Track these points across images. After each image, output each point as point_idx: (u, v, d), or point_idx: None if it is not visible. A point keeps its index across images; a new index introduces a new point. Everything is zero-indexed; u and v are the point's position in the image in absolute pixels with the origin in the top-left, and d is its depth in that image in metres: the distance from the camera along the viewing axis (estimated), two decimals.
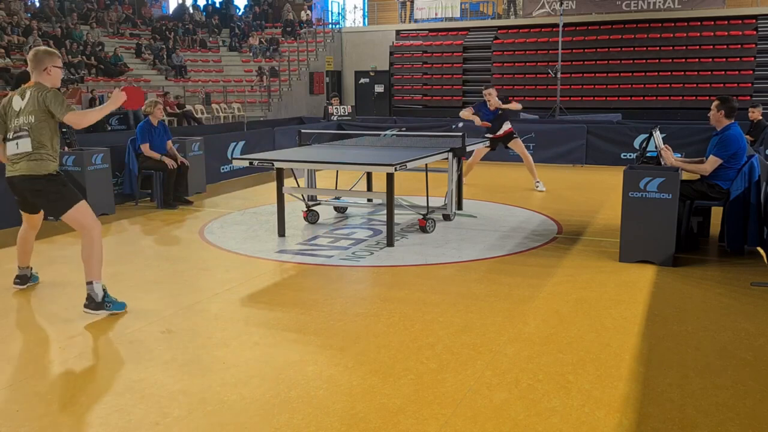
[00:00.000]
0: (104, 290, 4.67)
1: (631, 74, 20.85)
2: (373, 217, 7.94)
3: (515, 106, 9.45)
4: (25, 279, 5.25)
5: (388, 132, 9.55)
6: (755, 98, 16.79)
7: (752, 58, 19.75)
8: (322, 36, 25.83)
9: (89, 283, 4.61)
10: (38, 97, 4.50)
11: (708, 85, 19.68)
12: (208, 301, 4.99)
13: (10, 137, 4.60)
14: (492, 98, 9.36)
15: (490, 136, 9.37)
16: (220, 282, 5.47)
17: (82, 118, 4.49)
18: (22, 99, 4.56)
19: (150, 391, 3.48)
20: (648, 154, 6.81)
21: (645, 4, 21.58)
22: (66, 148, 8.16)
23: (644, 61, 20.83)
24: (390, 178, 6.42)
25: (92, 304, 4.60)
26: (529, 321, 4.47)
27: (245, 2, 29.97)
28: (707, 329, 4.32)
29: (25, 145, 4.53)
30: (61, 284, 5.44)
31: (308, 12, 28.05)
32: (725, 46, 20.11)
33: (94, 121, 4.63)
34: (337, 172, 8.62)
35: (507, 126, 9.59)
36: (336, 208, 8.17)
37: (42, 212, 4.99)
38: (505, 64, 22.60)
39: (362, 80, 25.83)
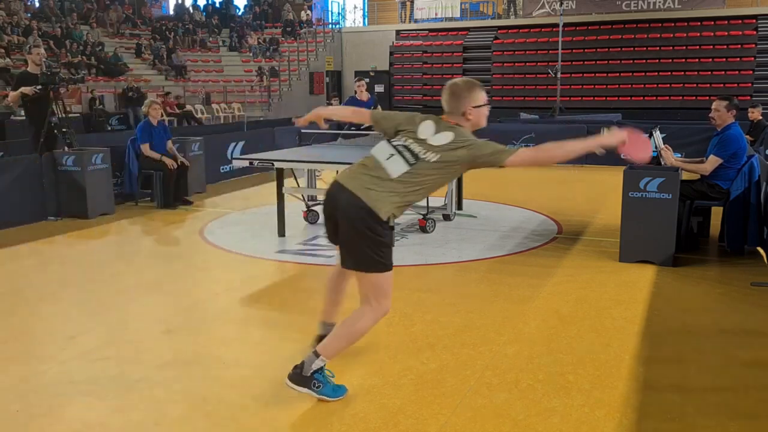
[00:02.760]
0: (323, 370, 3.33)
1: (631, 74, 20.84)
2: None
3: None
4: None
5: None
6: (755, 98, 16.75)
7: (752, 58, 19.74)
8: (322, 36, 25.82)
9: (316, 353, 3.31)
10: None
11: (708, 85, 19.67)
12: (208, 301, 4.99)
13: None
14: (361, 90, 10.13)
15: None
16: (220, 282, 5.47)
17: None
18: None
19: (150, 391, 3.48)
20: None
21: (645, 4, 21.57)
22: (66, 148, 8.16)
23: (644, 61, 20.82)
24: None
25: (297, 376, 3.29)
26: (529, 321, 4.47)
27: (245, 2, 29.95)
28: (707, 329, 4.32)
29: None
30: (62, 285, 5.44)
31: (308, 12, 28.04)
32: (725, 46, 20.10)
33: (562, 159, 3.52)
34: (337, 172, 8.61)
35: None
36: None
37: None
38: (505, 64, 22.59)
39: (360, 74, 25.81)
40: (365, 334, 3.37)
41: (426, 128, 3.31)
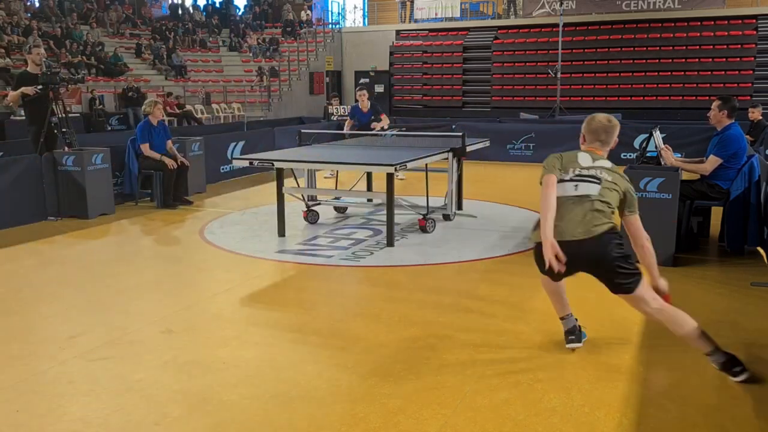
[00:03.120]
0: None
1: (631, 74, 20.82)
2: (373, 217, 7.94)
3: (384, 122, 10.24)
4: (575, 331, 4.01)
5: (388, 132, 9.55)
6: (755, 98, 16.74)
7: (752, 58, 19.72)
8: (322, 36, 25.81)
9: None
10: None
11: (708, 85, 19.66)
12: (208, 301, 4.99)
13: None
14: (363, 100, 10.27)
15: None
16: (220, 282, 5.47)
17: None
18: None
19: (150, 391, 3.48)
20: (648, 154, 6.81)
21: (645, 4, 21.56)
22: (66, 148, 8.16)
23: (644, 61, 20.80)
24: (390, 178, 6.42)
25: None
26: (530, 321, 4.47)
27: (245, 2, 29.95)
28: (707, 329, 4.30)
29: None
30: (62, 285, 5.44)
31: (308, 12, 28.03)
32: (725, 46, 20.08)
33: None
34: (337, 172, 8.63)
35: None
36: (336, 208, 8.17)
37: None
38: (505, 64, 22.57)
39: (362, 80, 25.79)
40: (677, 318, 3.64)
41: (584, 159, 3.64)
